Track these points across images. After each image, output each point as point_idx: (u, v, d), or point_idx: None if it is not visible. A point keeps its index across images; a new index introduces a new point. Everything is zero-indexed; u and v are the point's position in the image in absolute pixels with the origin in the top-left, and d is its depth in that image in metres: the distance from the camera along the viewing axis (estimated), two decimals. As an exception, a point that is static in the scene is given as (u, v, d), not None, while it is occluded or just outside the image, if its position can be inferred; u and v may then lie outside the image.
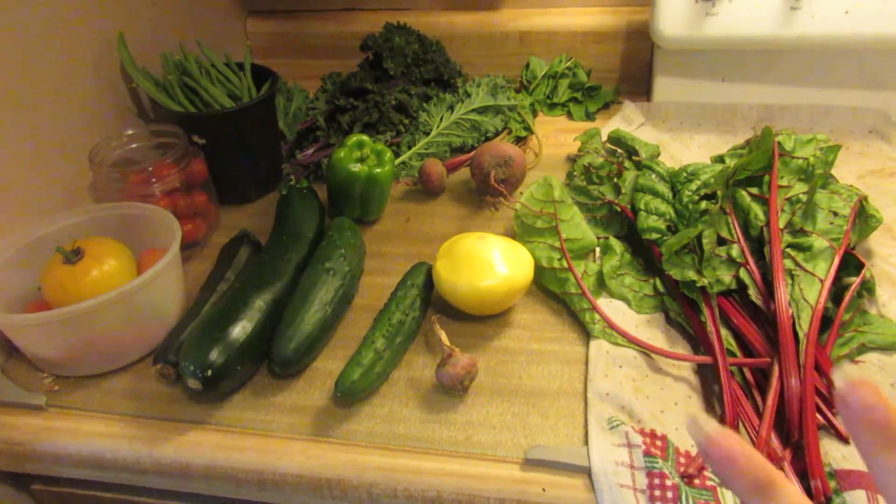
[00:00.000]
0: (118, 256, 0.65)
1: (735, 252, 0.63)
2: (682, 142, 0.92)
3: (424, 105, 0.93)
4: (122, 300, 0.60)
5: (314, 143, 0.91)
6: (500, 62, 1.08)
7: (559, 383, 0.60)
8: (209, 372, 0.57)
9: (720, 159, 0.79)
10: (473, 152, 0.84)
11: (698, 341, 0.62)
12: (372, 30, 0.99)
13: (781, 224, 0.63)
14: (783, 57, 0.90)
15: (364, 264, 0.73)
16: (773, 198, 0.65)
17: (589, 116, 1.00)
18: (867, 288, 0.63)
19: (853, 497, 0.48)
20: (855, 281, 0.61)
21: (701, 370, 0.60)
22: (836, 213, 0.63)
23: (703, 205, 0.69)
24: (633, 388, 0.58)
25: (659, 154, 0.80)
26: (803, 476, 0.49)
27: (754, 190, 0.67)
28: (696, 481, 0.50)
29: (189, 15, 0.98)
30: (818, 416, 0.53)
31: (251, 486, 0.56)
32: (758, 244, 0.64)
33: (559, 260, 0.68)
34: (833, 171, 0.71)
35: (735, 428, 0.53)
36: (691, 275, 0.62)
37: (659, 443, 0.53)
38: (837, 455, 0.51)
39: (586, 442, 0.54)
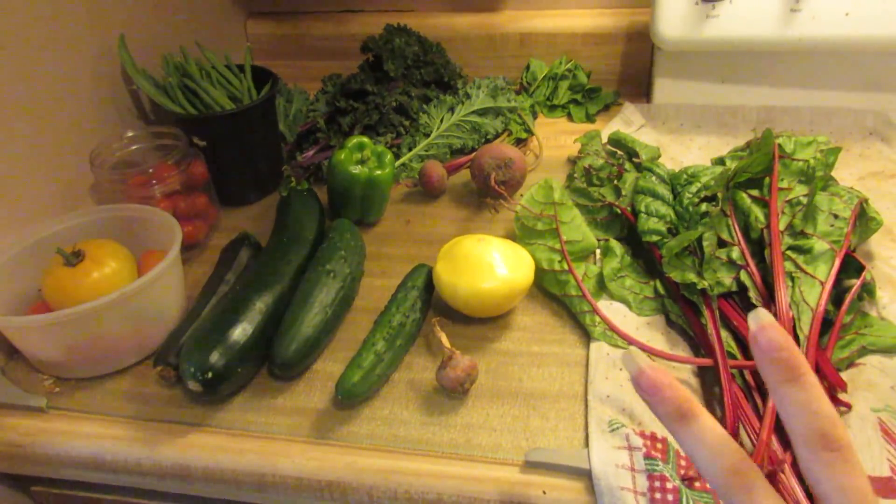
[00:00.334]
0: (118, 258, 0.65)
1: (735, 254, 0.63)
2: (683, 144, 0.92)
3: (425, 107, 0.93)
4: (123, 302, 0.60)
5: (314, 145, 0.91)
6: (501, 64, 1.08)
7: (559, 385, 0.60)
8: (209, 374, 0.57)
9: (720, 161, 0.79)
10: (474, 154, 0.84)
11: (699, 343, 0.62)
12: (372, 31, 0.99)
13: (782, 226, 0.63)
14: (783, 59, 0.90)
15: (364, 266, 0.73)
16: (774, 200, 0.65)
17: (589, 118, 1.01)
18: (868, 290, 0.63)
19: (854, 500, 0.48)
20: (855, 283, 0.61)
21: (701, 372, 0.60)
22: (836, 216, 0.63)
23: (704, 207, 0.69)
24: (633, 390, 0.57)
25: (659, 156, 0.80)
26: (803, 479, 0.49)
27: (755, 192, 0.67)
28: (697, 484, 0.50)
29: (189, 17, 0.98)
30: (819, 418, 0.53)
31: (251, 489, 0.56)
32: (758, 246, 0.64)
33: (559, 262, 0.68)
34: (833, 173, 0.71)
35: (735, 431, 0.53)
36: (692, 277, 0.62)
37: (660, 445, 0.52)
38: (838, 458, 0.51)
39: (587, 444, 0.54)
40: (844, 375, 0.57)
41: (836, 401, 0.54)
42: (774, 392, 0.33)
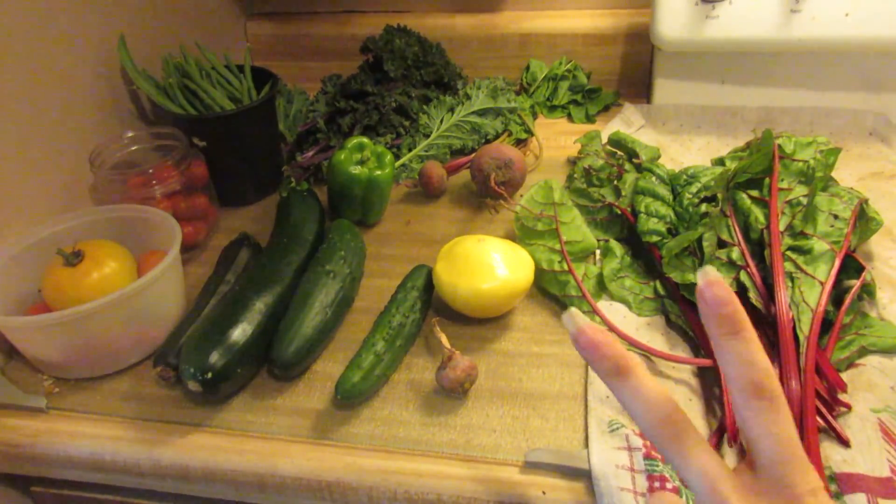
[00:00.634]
0: (118, 259, 0.65)
1: (735, 255, 0.63)
2: (683, 144, 0.92)
3: (425, 107, 0.93)
4: (123, 302, 0.60)
5: (314, 146, 0.91)
6: (501, 64, 1.08)
7: (559, 386, 0.60)
8: (209, 374, 0.57)
9: (720, 162, 0.79)
10: (474, 154, 0.84)
11: (699, 344, 0.62)
12: (372, 32, 0.99)
13: (782, 227, 0.63)
14: (783, 59, 0.90)
15: (364, 267, 0.73)
16: (774, 200, 0.65)
17: (589, 119, 1.01)
18: (868, 291, 0.63)
19: (853, 500, 0.48)
20: (855, 284, 0.61)
21: (702, 373, 0.60)
22: (836, 216, 0.63)
23: (704, 207, 0.69)
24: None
25: (659, 156, 0.80)
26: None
27: (755, 193, 0.67)
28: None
29: (189, 17, 0.98)
30: (818, 419, 0.53)
31: (251, 489, 0.56)
32: (758, 247, 0.64)
33: (559, 262, 0.68)
34: (833, 174, 0.71)
35: (735, 432, 0.53)
36: (692, 277, 0.62)
37: (659, 446, 0.52)
38: (838, 458, 0.51)
39: (586, 445, 0.54)
40: (844, 376, 0.57)
41: (836, 401, 0.54)
42: (717, 344, 0.35)
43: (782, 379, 0.54)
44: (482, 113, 0.93)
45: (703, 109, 0.95)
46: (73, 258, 0.63)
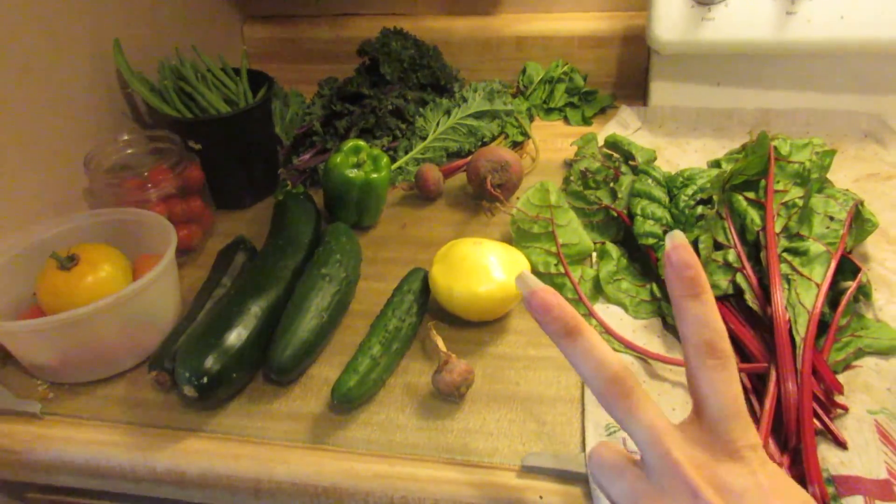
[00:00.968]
0: (113, 262, 0.65)
1: (731, 257, 0.63)
2: (679, 146, 0.92)
3: (421, 110, 0.93)
4: (118, 306, 0.60)
5: (311, 149, 0.90)
6: (497, 67, 1.08)
7: (556, 389, 0.60)
8: (205, 379, 0.56)
9: (717, 164, 0.79)
10: (470, 157, 0.84)
11: (695, 346, 0.62)
12: (368, 35, 0.99)
13: (778, 228, 0.63)
14: (779, 61, 0.90)
15: (360, 270, 0.73)
16: (770, 202, 0.65)
17: (585, 121, 1.01)
18: (864, 292, 0.63)
19: (851, 503, 0.48)
20: (851, 285, 0.61)
21: (698, 375, 0.60)
22: (832, 218, 0.63)
23: (700, 209, 0.69)
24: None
25: (655, 159, 0.80)
26: (801, 482, 0.49)
27: (750, 194, 0.67)
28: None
29: (186, 20, 0.98)
30: (816, 421, 0.53)
31: (247, 494, 0.56)
32: (754, 249, 0.64)
33: (556, 265, 0.68)
34: (829, 175, 0.71)
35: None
36: (688, 280, 0.62)
37: (656, 449, 0.52)
38: (835, 461, 0.51)
39: (583, 449, 0.54)
40: (841, 377, 0.57)
41: (833, 403, 0.54)
42: (677, 304, 0.37)
43: (779, 381, 0.54)
44: (479, 115, 0.93)
45: (699, 111, 0.95)
46: (68, 262, 0.63)
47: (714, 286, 0.62)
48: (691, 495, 0.33)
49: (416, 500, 0.53)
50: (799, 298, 0.58)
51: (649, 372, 0.60)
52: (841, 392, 0.55)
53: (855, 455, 0.51)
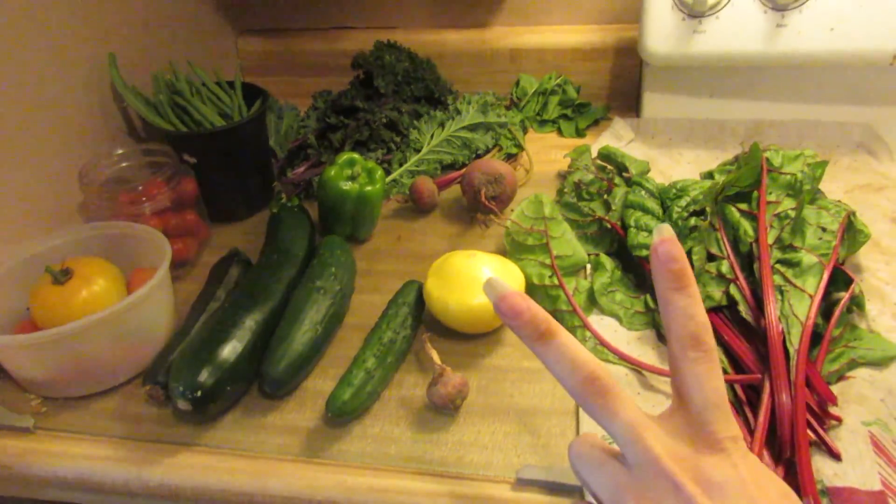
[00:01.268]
0: (107, 276, 0.65)
1: (725, 268, 0.64)
2: (672, 157, 0.93)
3: (415, 122, 0.94)
4: (112, 320, 0.59)
5: (305, 161, 0.91)
6: (491, 79, 1.09)
7: (551, 402, 0.60)
8: (199, 393, 0.56)
9: (709, 175, 0.79)
10: (464, 169, 0.84)
11: (689, 358, 0.62)
12: (363, 48, 1.00)
13: (770, 240, 0.64)
14: (770, 73, 0.91)
15: (355, 282, 0.73)
16: (762, 214, 0.65)
17: (579, 133, 1.01)
18: (856, 303, 0.63)
19: (845, 514, 0.48)
20: (844, 296, 0.61)
21: (692, 387, 0.60)
22: (824, 229, 0.64)
23: (693, 221, 0.69)
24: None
25: (649, 170, 0.80)
26: (796, 493, 0.49)
27: (743, 206, 0.67)
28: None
29: (180, 34, 0.98)
30: (810, 432, 0.53)
31: (241, 509, 0.56)
32: (747, 260, 0.64)
33: (550, 277, 0.69)
34: (821, 186, 0.71)
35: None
36: (682, 291, 0.62)
37: (651, 461, 0.52)
38: (829, 472, 0.51)
39: (578, 461, 0.53)
40: (834, 389, 0.57)
41: (826, 415, 0.54)
42: (663, 297, 0.38)
43: (773, 392, 0.54)
44: (473, 128, 0.93)
45: (691, 123, 0.95)
46: (62, 276, 0.62)
47: (708, 297, 0.63)
48: (673, 488, 0.33)
49: (410, 514, 0.53)
50: (792, 309, 0.59)
51: (643, 383, 0.60)
52: (835, 403, 0.55)
53: (849, 466, 0.51)
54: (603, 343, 0.63)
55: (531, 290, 0.69)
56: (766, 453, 0.52)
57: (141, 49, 0.89)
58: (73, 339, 0.59)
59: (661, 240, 0.38)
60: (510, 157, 0.95)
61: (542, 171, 0.92)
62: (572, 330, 0.65)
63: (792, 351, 0.56)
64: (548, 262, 0.70)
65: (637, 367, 0.61)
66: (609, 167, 0.83)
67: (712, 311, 0.63)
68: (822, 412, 0.54)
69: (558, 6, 1.06)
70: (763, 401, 0.54)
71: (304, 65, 1.15)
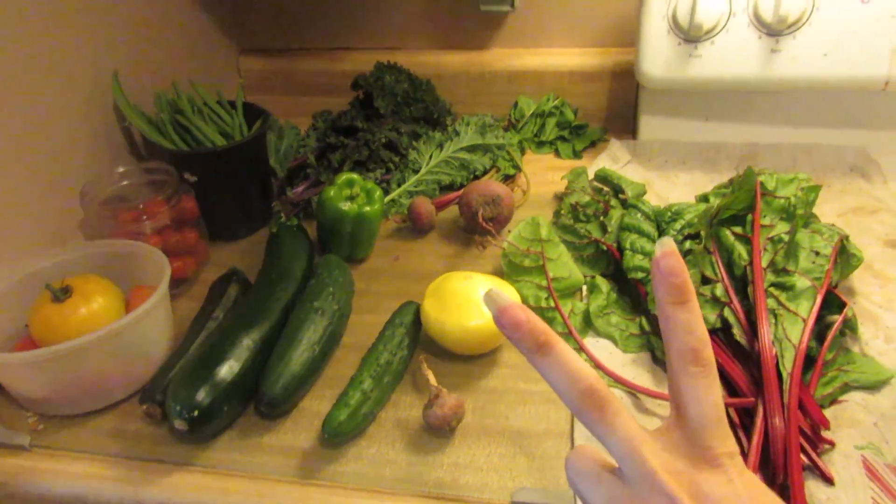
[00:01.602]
0: (107, 294, 0.65)
1: (719, 291, 0.64)
2: (668, 180, 0.94)
3: (414, 143, 0.94)
4: (110, 339, 0.60)
5: (305, 181, 0.91)
6: (489, 101, 1.10)
7: (546, 424, 0.60)
8: (196, 413, 0.56)
9: (705, 198, 0.80)
10: (462, 190, 0.85)
11: (684, 380, 0.62)
12: (363, 69, 1.01)
13: (764, 263, 0.64)
14: (765, 97, 0.92)
15: (352, 303, 0.73)
16: (756, 237, 0.66)
17: (576, 154, 1.02)
18: (850, 327, 0.64)
19: (838, 539, 0.48)
20: (837, 320, 0.62)
21: (687, 409, 0.60)
22: (817, 253, 0.64)
23: (688, 244, 0.70)
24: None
25: (645, 192, 0.81)
26: (789, 517, 0.49)
27: (738, 229, 0.68)
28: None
29: (183, 53, 0.99)
30: (803, 456, 0.53)
31: (236, 529, 0.56)
32: (741, 283, 0.65)
33: (546, 299, 0.69)
34: (815, 209, 0.72)
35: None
36: (676, 314, 0.62)
37: (645, 484, 0.52)
38: (822, 497, 0.51)
39: (573, 483, 0.54)
40: (827, 412, 0.57)
41: (819, 439, 0.55)
42: (663, 311, 0.37)
43: (766, 416, 0.54)
44: (471, 149, 0.94)
45: (687, 145, 0.96)
46: (62, 294, 0.63)
47: (702, 320, 0.63)
48: (669, 503, 0.34)
49: (405, 536, 0.53)
50: (786, 333, 0.59)
51: (638, 406, 0.61)
52: (828, 427, 0.56)
53: (842, 491, 0.51)
54: (598, 365, 0.63)
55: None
56: (759, 477, 0.52)
57: (143, 67, 0.90)
58: (71, 356, 0.59)
59: (664, 253, 0.37)
60: (508, 179, 0.96)
61: (540, 193, 0.93)
62: (568, 351, 0.65)
63: (785, 375, 0.56)
64: (544, 283, 0.70)
65: (632, 390, 0.61)
66: (606, 189, 0.84)
67: (707, 333, 0.63)
68: (815, 436, 0.55)
69: (556, 29, 1.08)
70: (756, 424, 0.54)
71: (305, 84, 1.16)
